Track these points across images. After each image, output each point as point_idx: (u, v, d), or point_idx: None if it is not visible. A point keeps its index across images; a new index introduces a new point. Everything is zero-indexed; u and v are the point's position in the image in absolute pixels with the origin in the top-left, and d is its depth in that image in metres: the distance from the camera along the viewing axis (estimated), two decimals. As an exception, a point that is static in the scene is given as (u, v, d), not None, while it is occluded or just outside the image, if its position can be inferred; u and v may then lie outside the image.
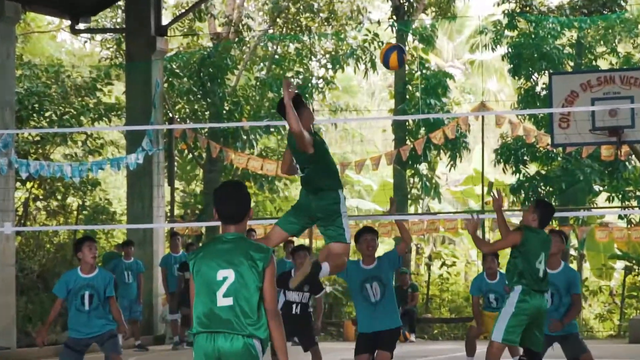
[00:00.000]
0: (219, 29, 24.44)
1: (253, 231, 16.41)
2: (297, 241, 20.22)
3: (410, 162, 21.76)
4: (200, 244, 21.28)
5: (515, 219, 21.16)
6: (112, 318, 9.79)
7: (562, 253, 9.85)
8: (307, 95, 22.19)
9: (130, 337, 15.97)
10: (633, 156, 18.70)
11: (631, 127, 14.92)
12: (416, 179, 23.32)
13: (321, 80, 24.04)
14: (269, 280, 5.44)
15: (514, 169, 21.53)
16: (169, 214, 20.96)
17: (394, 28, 22.50)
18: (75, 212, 23.19)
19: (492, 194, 9.12)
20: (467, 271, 25.69)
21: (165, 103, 21.05)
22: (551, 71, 19.60)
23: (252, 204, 5.88)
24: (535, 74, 21.68)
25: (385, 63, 8.53)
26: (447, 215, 24.04)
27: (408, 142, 21.63)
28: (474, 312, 12.49)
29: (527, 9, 22.02)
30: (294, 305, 11.14)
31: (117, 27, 24.44)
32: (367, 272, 9.38)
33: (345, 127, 33.85)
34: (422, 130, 21.78)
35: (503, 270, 11.59)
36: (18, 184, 19.74)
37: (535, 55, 21.12)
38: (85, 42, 26.40)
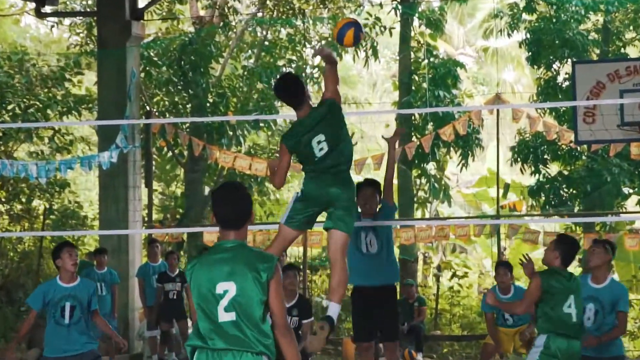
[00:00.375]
0: (202, 12, 24.44)
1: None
2: (290, 251, 20.26)
3: (416, 161, 21.79)
4: (182, 252, 21.34)
5: (534, 225, 21.31)
6: (93, 335, 9.78)
7: (608, 265, 9.77)
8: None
9: (106, 355, 15.98)
10: (666, 155, 18.75)
11: (664, 122, 14.96)
12: (423, 180, 23.36)
13: (316, 69, 24.01)
14: (275, 293, 5.46)
15: (532, 169, 21.58)
16: (146, 219, 20.94)
17: (397, 11, 22.47)
18: (41, 217, 23.20)
19: (520, 261, 9.18)
20: (481, 283, 25.71)
21: (141, 95, 21.07)
22: (574, 59, 19.65)
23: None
24: (557, 63, 21.74)
25: (340, 39, 8.55)
26: (458, 220, 24.06)
27: (414, 138, 21.65)
28: (488, 330, 12.54)
29: (548, -11, 22.09)
30: None
31: (88, 10, 24.45)
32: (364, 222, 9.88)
33: (343, 122, 33.85)
34: (430, 126, 21.79)
35: (518, 283, 11.64)
36: (-23, 185, 19.79)
37: (557, 41, 21.18)
38: (52, 26, 26.33)
